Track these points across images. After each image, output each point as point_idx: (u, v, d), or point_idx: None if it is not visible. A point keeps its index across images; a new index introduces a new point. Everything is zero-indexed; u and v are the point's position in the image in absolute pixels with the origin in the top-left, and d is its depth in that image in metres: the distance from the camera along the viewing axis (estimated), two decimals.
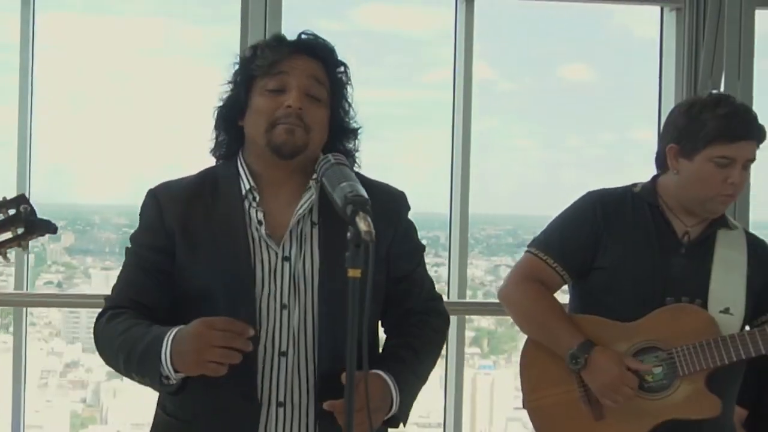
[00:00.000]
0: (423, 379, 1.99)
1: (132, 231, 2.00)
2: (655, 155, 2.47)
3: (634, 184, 2.52)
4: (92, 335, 1.95)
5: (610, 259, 2.40)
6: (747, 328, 2.39)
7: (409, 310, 2.00)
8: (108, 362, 1.94)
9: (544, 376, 2.46)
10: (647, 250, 2.39)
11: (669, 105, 5.15)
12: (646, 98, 5.79)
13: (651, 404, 2.35)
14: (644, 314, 2.37)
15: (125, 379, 1.92)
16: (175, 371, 1.76)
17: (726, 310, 2.35)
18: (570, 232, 2.46)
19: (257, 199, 1.93)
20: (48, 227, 1.89)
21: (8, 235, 1.85)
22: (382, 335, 2.07)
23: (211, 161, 2.05)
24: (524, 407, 2.51)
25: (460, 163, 4.31)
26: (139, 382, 1.88)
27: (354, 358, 1.57)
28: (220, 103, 1.99)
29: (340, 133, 1.99)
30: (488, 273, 5.24)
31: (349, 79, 2.00)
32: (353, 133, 2.01)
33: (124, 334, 1.84)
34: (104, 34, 4.59)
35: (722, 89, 4.93)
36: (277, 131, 1.89)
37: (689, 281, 2.38)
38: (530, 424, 2.53)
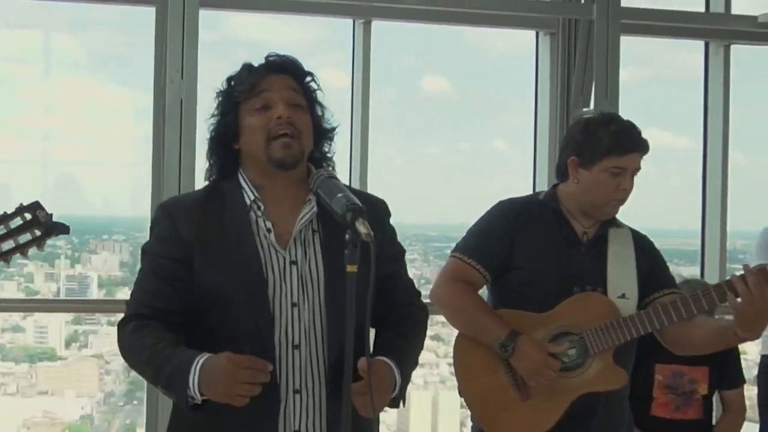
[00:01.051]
0: (415, 364, 2.24)
1: None
2: (556, 167, 2.88)
3: (537, 193, 2.92)
4: (117, 340, 2.14)
5: (524, 259, 2.77)
6: None
7: (394, 304, 2.22)
8: (134, 368, 2.15)
9: (475, 366, 2.79)
10: (554, 249, 2.78)
11: (545, 119, 5.64)
12: (505, 111, 6.25)
13: (569, 382, 2.71)
14: (556, 304, 2.73)
15: None
16: (201, 395, 1.97)
17: (623, 296, 2.75)
18: (489, 238, 2.82)
19: (262, 209, 2.14)
20: (63, 228, 2.08)
21: (27, 236, 2.04)
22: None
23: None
24: (460, 395, 2.85)
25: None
26: (164, 394, 2.09)
27: (352, 343, 1.84)
28: (212, 134, 2.19)
29: (321, 134, 2.22)
30: None
31: (319, 86, 2.22)
32: (331, 132, 2.24)
33: (151, 348, 2.04)
34: None
35: (591, 106, 5.44)
36: (274, 146, 2.11)
37: (590, 273, 2.76)
38: None
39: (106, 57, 5.80)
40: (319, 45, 6.20)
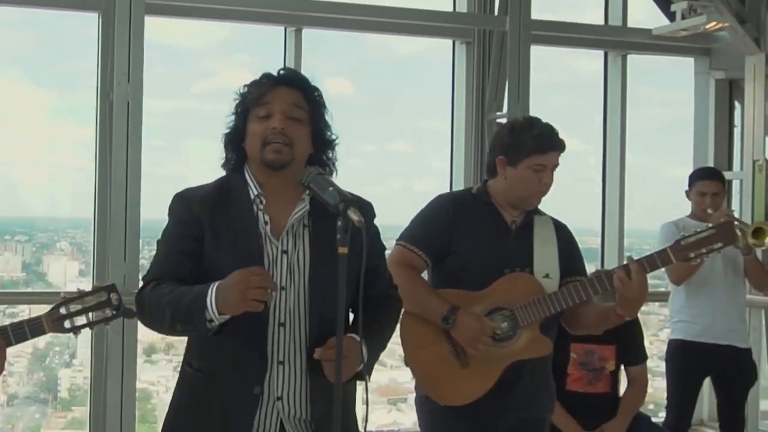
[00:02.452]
0: (383, 347, 2.54)
1: None
2: (486, 165, 3.28)
3: (470, 188, 3.32)
4: (135, 304, 2.40)
5: (460, 245, 3.14)
6: None
7: (373, 294, 2.47)
8: (152, 322, 2.40)
9: (419, 340, 3.14)
10: (487, 236, 3.15)
11: (461, 122, 6.07)
12: (407, 115, 6.61)
13: (502, 351, 3.09)
14: (489, 284, 3.11)
15: None
16: (219, 314, 2.24)
17: (547, 276, 3.14)
18: (429, 227, 3.18)
19: (264, 203, 2.43)
20: (130, 313, 2.36)
21: (99, 315, 2.31)
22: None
23: None
24: (407, 365, 3.21)
25: None
26: (182, 331, 2.37)
27: (342, 317, 2.19)
28: (227, 131, 2.49)
29: (322, 145, 2.49)
30: None
31: (324, 102, 2.49)
32: (331, 143, 2.51)
33: (171, 294, 2.31)
34: None
35: (505, 110, 5.91)
36: (267, 150, 2.39)
37: (519, 257, 3.15)
38: None
39: (40, 59, 5.97)
40: (228, 48, 6.52)
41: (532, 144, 3.10)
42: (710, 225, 3.12)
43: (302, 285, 2.40)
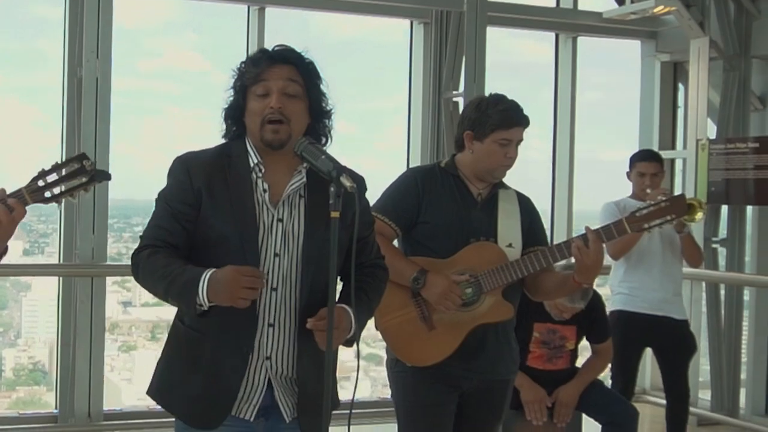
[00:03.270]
0: (371, 315, 2.69)
1: None
2: (454, 140, 3.44)
3: (439, 161, 3.48)
4: (131, 265, 2.51)
5: (429, 216, 3.30)
6: None
7: (361, 263, 2.59)
8: (146, 287, 2.50)
9: (389, 304, 3.24)
10: (454, 207, 3.31)
11: (418, 101, 6.24)
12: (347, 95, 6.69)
13: (467, 315, 3.26)
14: (456, 252, 3.28)
15: None
16: (209, 301, 2.36)
17: (510, 245, 3.31)
18: (399, 199, 3.34)
19: (263, 171, 2.52)
20: (104, 176, 2.44)
21: (75, 182, 2.37)
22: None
23: None
24: (377, 329, 3.36)
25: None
26: (174, 304, 2.49)
27: (335, 279, 2.34)
28: (226, 105, 2.57)
29: (319, 115, 2.57)
30: None
31: (318, 74, 2.57)
32: (328, 114, 2.59)
33: (165, 268, 2.41)
34: None
35: (461, 89, 6.09)
36: (266, 130, 2.48)
37: (484, 227, 3.31)
38: None
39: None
40: (174, 27, 6.60)
41: (498, 119, 3.27)
42: (652, 202, 3.25)
43: (296, 252, 2.51)
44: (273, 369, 2.55)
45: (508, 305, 3.32)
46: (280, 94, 2.50)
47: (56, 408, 5.45)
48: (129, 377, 6.66)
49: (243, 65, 2.57)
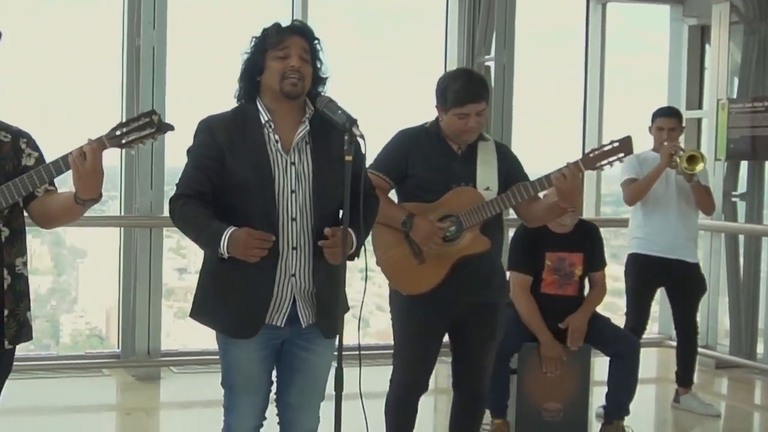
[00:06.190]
0: (367, 235, 3.18)
1: None
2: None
3: (425, 123, 3.93)
4: (168, 210, 3.02)
5: (416, 169, 3.79)
6: None
7: (357, 193, 2.96)
8: (180, 229, 3.06)
9: (386, 244, 3.81)
10: (438, 160, 3.79)
11: (453, 65, 6.62)
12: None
13: (450, 249, 3.75)
14: (440, 197, 3.77)
15: None
16: (228, 253, 2.88)
17: (487, 188, 3.78)
18: (391, 156, 3.84)
19: (273, 126, 3.03)
20: (169, 127, 2.83)
21: (146, 132, 2.78)
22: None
23: None
24: (377, 264, 3.86)
25: None
26: (201, 247, 3.03)
27: (348, 210, 2.89)
28: (244, 66, 3.06)
29: (317, 81, 3.09)
30: None
31: (322, 47, 3.09)
32: (324, 80, 3.11)
33: (194, 219, 2.95)
34: None
35: (492, 54, 6.51)
36: (286, 83, 2.99)
37: (464, 175, 3.79)
38: None
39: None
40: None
41: (452, 98, 3.73)
42: (605, 144, 3.71)
43: (308, 188, 3.03)
44: (297, 285, 3.05)
45: (485, 239, 3.80)
46: (298, 57, 3.03)
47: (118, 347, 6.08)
48: (184, 344, 6.83)
49: (266, 31, 3.06)
